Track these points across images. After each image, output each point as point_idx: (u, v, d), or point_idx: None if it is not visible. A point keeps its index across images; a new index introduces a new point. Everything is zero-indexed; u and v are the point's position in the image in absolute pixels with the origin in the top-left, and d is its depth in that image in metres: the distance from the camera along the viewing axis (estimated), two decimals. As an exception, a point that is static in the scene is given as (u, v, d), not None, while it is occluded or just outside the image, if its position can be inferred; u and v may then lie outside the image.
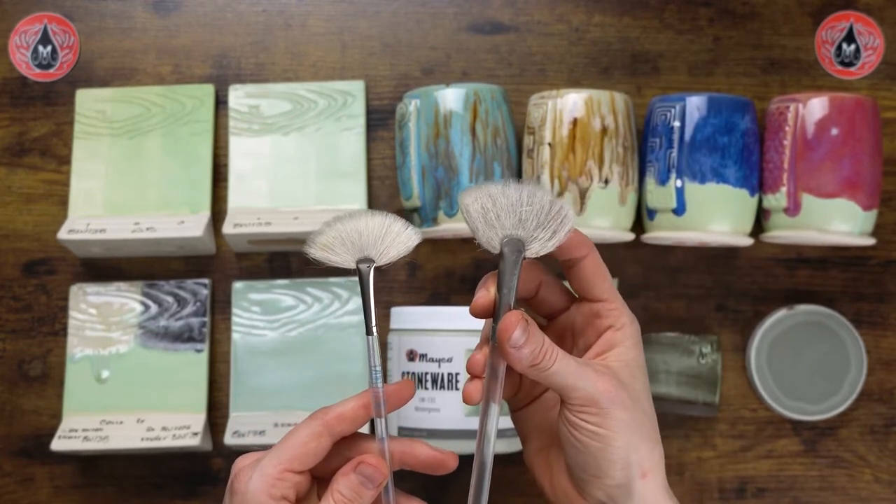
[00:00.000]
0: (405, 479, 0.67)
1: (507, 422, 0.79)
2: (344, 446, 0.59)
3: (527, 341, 0.55)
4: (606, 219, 0.82)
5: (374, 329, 0.58)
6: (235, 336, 0.87)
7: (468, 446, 0.76)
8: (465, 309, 0.78)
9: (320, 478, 0.60)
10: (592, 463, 0.56)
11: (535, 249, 0.55)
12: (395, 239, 0.57)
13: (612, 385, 0.56)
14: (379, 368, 0.58)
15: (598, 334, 0.59)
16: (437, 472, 0.59)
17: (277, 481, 0.56)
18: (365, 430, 0.74)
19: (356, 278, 0.87)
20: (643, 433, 0.57)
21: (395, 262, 0.58)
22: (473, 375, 0.58)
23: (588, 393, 0.55)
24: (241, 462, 0.58)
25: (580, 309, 0.60)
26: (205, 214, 0.87)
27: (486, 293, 0.57)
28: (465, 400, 0.57)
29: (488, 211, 0.55)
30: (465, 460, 0.60)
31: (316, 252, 0.57)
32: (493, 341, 0.56)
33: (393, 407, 0.59)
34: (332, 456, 0.58)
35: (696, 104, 0.81)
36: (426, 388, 0.79)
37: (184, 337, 0.87)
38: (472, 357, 0.58)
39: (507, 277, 0.55)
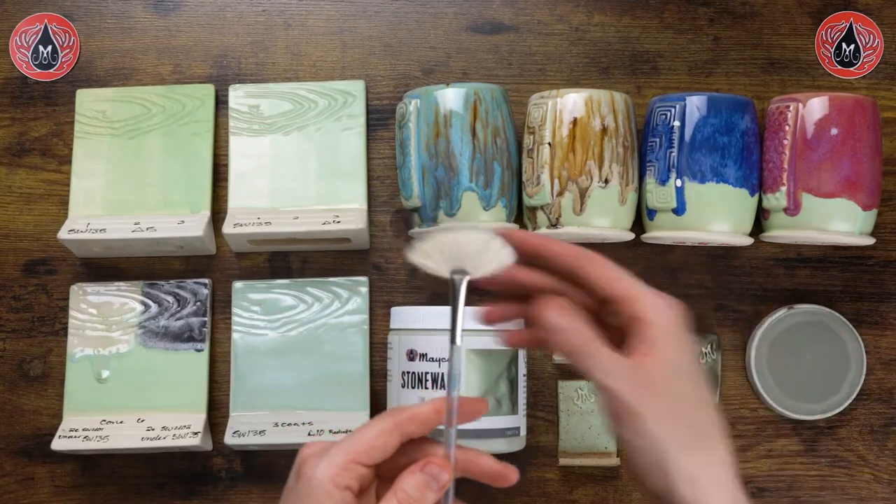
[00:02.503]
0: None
1: (508, 421, 0.79)
2: (410, 448, 0.59)
3: (565, 326, 0.56)
4: (606, 218, 0.82)
5: (460, 339, 0.58)
6: (235, 336, 0.87)
7: (468, 446, 0.76)
8: (465, 309, 0.79)
9: (382, 476, 0.60)
10: (633, 463, 0.56)
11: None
12: (492, 256, 0.58)
13: (637, 390, 0.55)
14: (458, 378, 0.58)
15: (632, 334, 0.57)
16: (497, 485, 0.59)
17: (344, 471, 0.56)
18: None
19: (356, 278, 0.88)
20: (683, 442, 0.55)
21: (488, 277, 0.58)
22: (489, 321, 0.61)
23: (615, 395, 0.55)
24: (308, 449, 0.59)
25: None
26: (205, 214, 0.87)
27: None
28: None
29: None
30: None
31: (415, 257, 0.58)
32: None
33: (464, 419, 0.58)
34: (397, 456, 0.58)
35: (695, 104, 0.81)
36: (426, 388, 0.79)
37: (184, 336, 0.87)
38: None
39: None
